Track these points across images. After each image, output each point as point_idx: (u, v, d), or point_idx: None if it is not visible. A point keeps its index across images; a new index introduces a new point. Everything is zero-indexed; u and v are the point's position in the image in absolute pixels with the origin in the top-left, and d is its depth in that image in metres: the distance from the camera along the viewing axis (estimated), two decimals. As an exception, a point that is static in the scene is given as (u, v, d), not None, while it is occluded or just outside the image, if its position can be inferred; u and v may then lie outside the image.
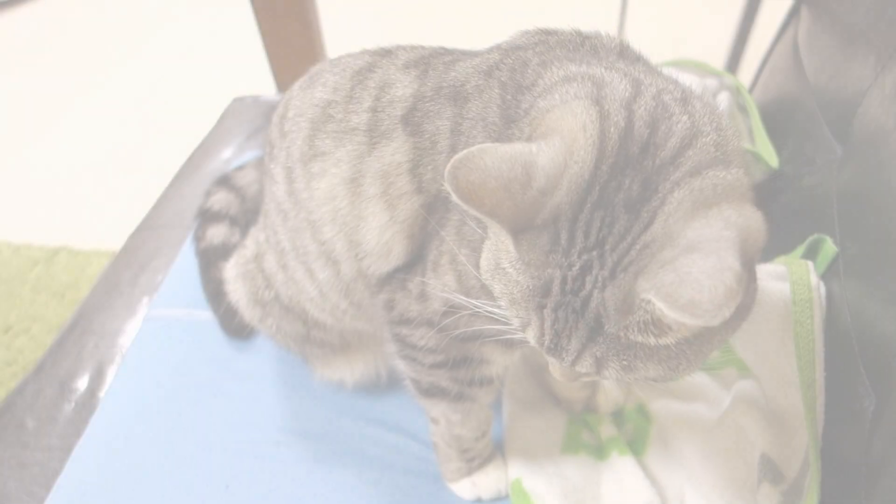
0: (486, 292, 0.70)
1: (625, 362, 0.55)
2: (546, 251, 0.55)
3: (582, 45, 0.72)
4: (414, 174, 0.73)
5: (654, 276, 0.50)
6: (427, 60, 0.77)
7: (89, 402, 1.10)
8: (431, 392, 0.85)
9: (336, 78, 0.81)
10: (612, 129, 0.56)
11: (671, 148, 0.56)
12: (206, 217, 1.20)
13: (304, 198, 0.81)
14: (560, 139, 0.56)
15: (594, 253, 0.53)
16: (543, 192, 0.54)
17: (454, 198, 0.53)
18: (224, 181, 1.24)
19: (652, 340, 0.53)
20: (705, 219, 0.51)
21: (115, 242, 1.44)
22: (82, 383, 1.12)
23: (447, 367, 0.82)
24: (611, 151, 0.55)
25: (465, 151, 0.53)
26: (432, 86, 0.73)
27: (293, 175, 0.82)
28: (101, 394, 1.09)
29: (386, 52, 0.82)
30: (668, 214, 0.52)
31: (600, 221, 0.54)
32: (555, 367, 0.63)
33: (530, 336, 0.59)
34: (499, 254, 0.60)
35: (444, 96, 0.72)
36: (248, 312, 1.01)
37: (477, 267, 0.70)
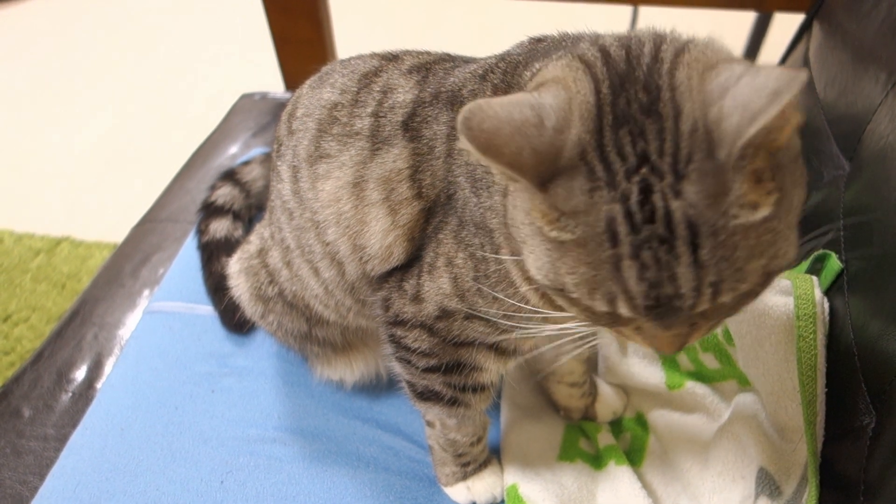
0: (482, 295, 0.71)
1: (735, 267, 0.49)
2: (587, 191, 0.50)
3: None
4: (414, 180, 0.74)
5: (728, 124, 0.47)
6: (429, 66, 0.78)
7: (86, 392, 1.09)
8: (426, 396, 0.85)
9: (344, 80, 0.82)
10: (593, 60, 0.55)
11: (648, 52, 0.54)
12: (210, 211, 1.20)
13: (308, 198, 0.81)
14: (553, 83, 0.55)
15: (644, 170, 0.49)
16: (558, 130, 0.51)
17: (472, 152, 0.50)
18: (229, 176, 1.24)
19: (750, 216, 0.48)
20: (718, 71, 0.50)
21: (118, 235, 1.44)
22: (80, 374, 1.12)
23: (440, 372, 0.81)
24: (602, 75, 0.53)
25: (471, 104, 0.50)
26: (431, 91, 0.74)
27: (299, 175, 0.82)
28: (99, 385, 1.09)
29: (393, 57, 0.83)
30: (687, 91, 0.50)
31: (629, 137, 0.50)
32: (659, 339, 0.56)
33: (624, 309, 0.52)
34: (540, 233, 0.54)
35: (441, 101, 0.73)
36: (249, 308, 1.00)
37: (473, 272, 0.70)
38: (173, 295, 1.16)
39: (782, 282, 0.84)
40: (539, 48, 0.72)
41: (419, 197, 0.74)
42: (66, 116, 2.86)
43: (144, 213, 1.43)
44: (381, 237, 0.76)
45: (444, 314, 0.76)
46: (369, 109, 0.77)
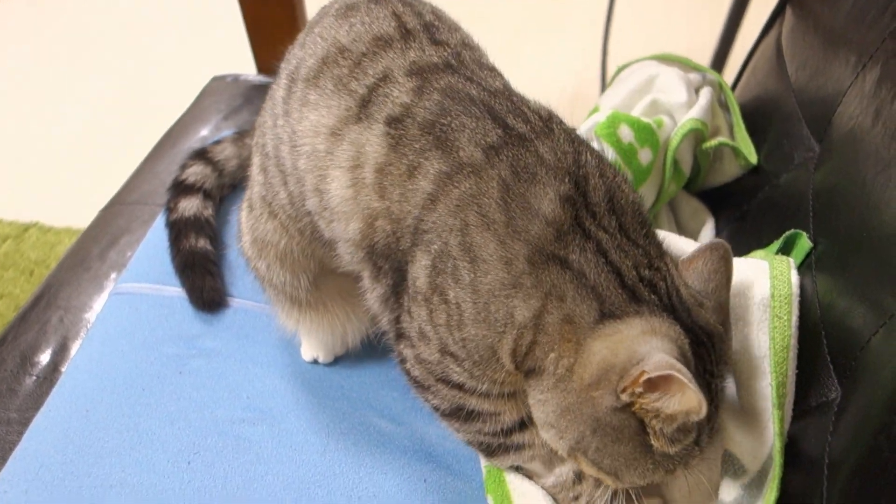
0: (452, 338, 0.74)
1: None
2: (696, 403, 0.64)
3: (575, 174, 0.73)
4: (378, 175, 0.74)
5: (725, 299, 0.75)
6: (427, 75, 0.77)
7: (51, 376, 1.07)
8: (489, 451, 0.84)
9: (360, 29, 0.82)
10: (670, 324, 0.67)
11: (671, 291, 0.70)
12: (180, 189, 1.18)
13: (294, 116, 0.82)
14: (660, 335, 0.66)
15: (708, 377, 0.69)
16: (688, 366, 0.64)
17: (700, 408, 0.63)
18: (200, 154, 1.23)
19: None
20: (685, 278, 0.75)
21: (88, 220, 1.41)
22: (45, 357, 1.10)
23: (454, 419, 0.82)
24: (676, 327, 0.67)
25: (662, 373, 0.61)
26: (423, 116, 0.74)
27: (293, 88, 0.83)
28: (64, 368, 1.07)
29: (407, 34, 0.81)
30: (701, 313, 0.71)
31: (701, 359, 0.68)
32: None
33: (682, 472, 0.72)
34: (646, 451, 0.68)
35: (433, 137, 0.73)
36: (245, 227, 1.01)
37: (446, 315, 0.73)
38: (140, 276, 1.14)
39: (760, 263, 0.84)
40: (542, 154, 0.72)
41: (381, 196, 0.74)
42: (34, 101, 2.81)
43: (113, 195, 1.41)
44: (339, 201, 0.77)
45: (423, 336, 0.77)
46: (367, 82, 0.77)
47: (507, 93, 0.79)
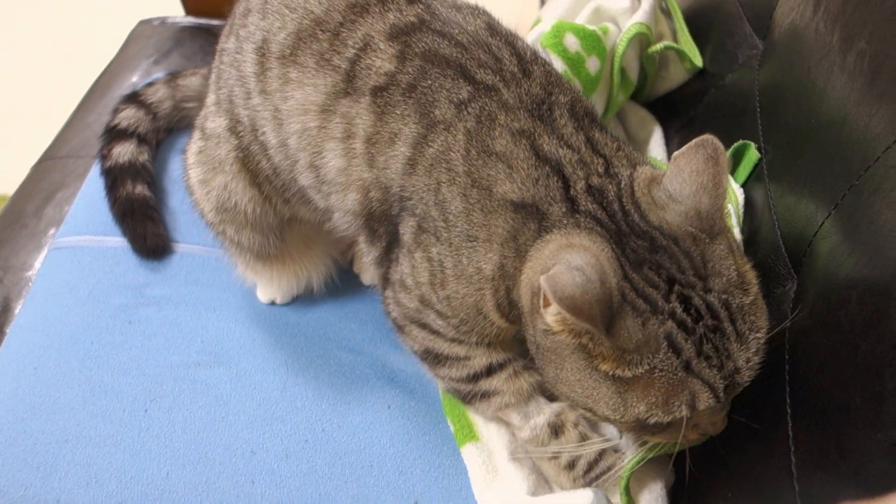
0: (436, 296, 0.75)
1: (760, 338, 0.62)
2: (640, 324, 0.60)
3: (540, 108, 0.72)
4: (367, 145, 0.74)
5: (702, 205, 0.63)
6: (407, 38, 0.75)
7: (-4, 339, 1.04)
8: (464, 398, 0.84)
9: None
10: (591, 226, 0.65)
11: (617, 201, 0.66)
12: (112, 135, 1.14)
13: (276, 97, 0.79)
14: (577, 248, 0.62)
15: (677, 287, 0.61)
16: (603, 282, 0.58)
17: (565, 315, 0.58)
18: (132, 98, 1.18)
19: (753, 289, 0.64)
20: (658, 181, 0.68)
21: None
22: (-13, 320, 1.06)
23: (425, 361, 0.83)
24: (605, 236, 0.64)
25: (548, 278, 0.57)
26: (407, 81, 0.73)
27: (267, 64, 0.79)
28: (8, 329, 1.04)
29: None
30: (665, 223, 0.65)
31: (652, 271, 0.62)
32: (716, 423, 0.66)
33: (704, 402, 0.61)
34: (608, 378, 0.62)
35: (413, 101, 0.73)
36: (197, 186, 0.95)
37: (429, 275, 0.74)
38: (80, 229, 1.10)
39: None
40: (505, 100, 0.71)
41: (370, 166, 0.75)
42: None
43: (44, 150, 1.34)
44: (335, 173, 0.77)
45: (403, 286, 0.77)
46: (348, 54, 0.75)
47: (487, 35, 0.76)
